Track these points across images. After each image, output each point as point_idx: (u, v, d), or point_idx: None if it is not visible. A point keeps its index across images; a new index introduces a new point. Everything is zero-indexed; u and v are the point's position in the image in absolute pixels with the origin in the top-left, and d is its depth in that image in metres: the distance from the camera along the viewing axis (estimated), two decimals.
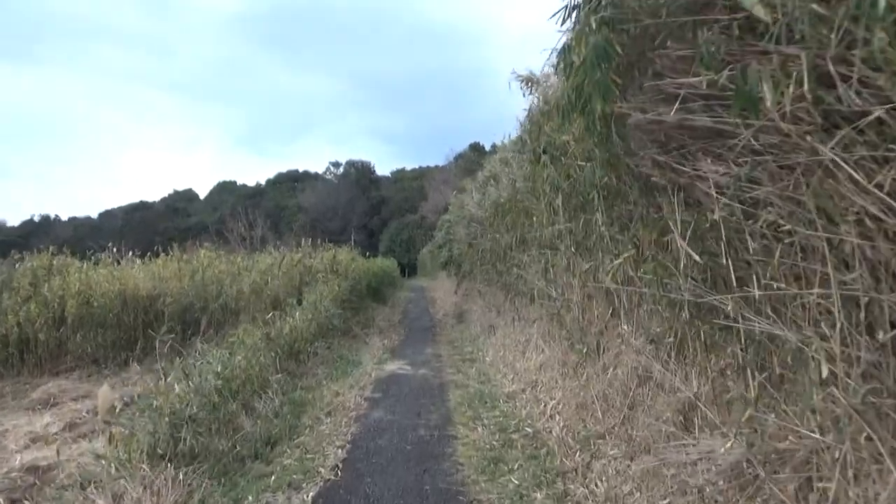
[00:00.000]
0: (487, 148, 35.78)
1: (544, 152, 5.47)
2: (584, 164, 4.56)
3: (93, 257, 12.60)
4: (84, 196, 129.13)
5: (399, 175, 74.74)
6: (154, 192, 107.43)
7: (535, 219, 6.98)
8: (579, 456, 3.96)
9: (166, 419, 3.93)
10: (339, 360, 8.33)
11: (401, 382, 6.87)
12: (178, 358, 7.37)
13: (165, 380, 4.33)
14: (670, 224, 2.94)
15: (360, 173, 70.74)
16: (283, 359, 7.49)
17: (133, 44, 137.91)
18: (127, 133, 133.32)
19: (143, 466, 3.60)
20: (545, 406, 5.19)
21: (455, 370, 7.47)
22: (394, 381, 6.93)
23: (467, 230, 11.79)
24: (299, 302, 9.50)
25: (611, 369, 4.52)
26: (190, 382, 4.66)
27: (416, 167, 73.30)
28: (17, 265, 11.38)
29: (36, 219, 74.04)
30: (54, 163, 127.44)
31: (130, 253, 12.59)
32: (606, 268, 4.59)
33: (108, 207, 77.05)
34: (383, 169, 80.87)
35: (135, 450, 3.66)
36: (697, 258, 2.71)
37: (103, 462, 3.55)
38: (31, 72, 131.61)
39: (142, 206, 74.30)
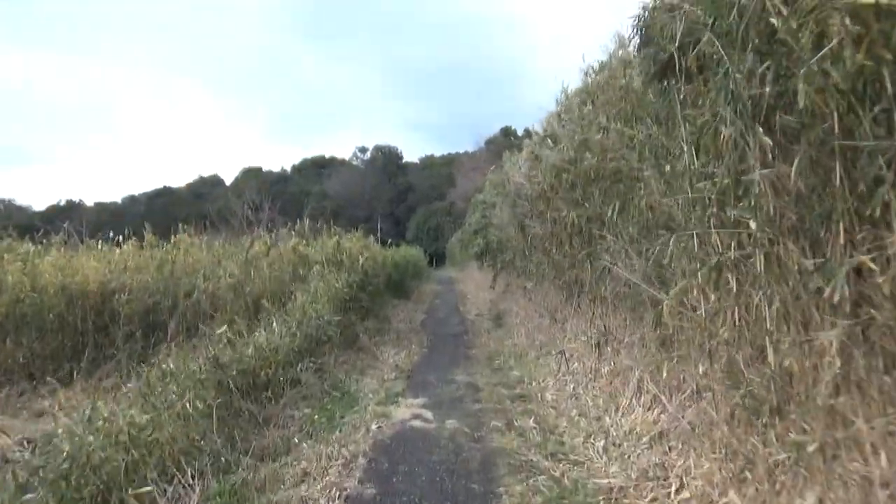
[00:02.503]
0: (520, 133, 33.07)
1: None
2: None
3: (43, 241, 10.15)
4: (112, 183, 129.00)
5: (427, 161, 72.00)
6: (182, 180, 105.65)
7: (640, 182, 4.26)
8: None
9: None
10: (328, 395, 5.69)
11: (415, 454, 4.06)
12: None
13: None
14: None
15: (387, 159, 68.19)
16: (241, 396, 4.91)
17: (167, 33, 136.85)
18: (159, 121, 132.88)
19: None
20: None
21: (503, 421, 4.71)
22: (403, 451, 4.12)
23: (511, 210, 9.04)
24: (282, 304, 6.91)
25: None
26: None
27: (445, 153, 70.35)
28: None
29: (62, 203, 73.34)
30: (84, 150, 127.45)
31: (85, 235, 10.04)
32: None
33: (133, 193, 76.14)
34: (411, 156, 78.05)
35: None
36: None
37: None
38: (67, 60, 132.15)
39: (165, 192, 72.94)
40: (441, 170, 63.63)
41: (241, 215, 19.22)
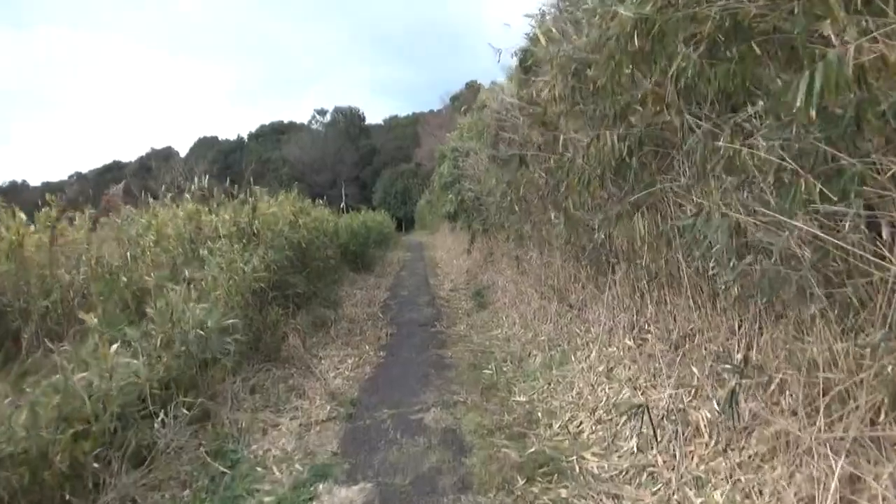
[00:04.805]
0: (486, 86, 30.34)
1: None
2: None
3: None
4: (61, 160, 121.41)
5: (392, 122, 68.41)
6: (134, 153, 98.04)
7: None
8: None
9: None
10: (201, 473, 3.21)
11: None
12: None
13: None
14: None
15: (348, 121, 64.35)
16: None
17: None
18: (110, 92, 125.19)
19: None
20: None
21: None
22: None
23: (492, 153, 6.49)
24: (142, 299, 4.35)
25: None
26: None
27: (410, 114, 66.69)
28: None
29: (4, 185, 68.34)
30: (28, 127, 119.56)
31: None
32: None
33: (82, 170, 71.28)
34: (375, 118, 74.06)
35: None
36: None
37: None
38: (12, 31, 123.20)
39: (115, 167, 68.27)
40: (406, 130, 60.24)
41: (170, 183, 16.38)
